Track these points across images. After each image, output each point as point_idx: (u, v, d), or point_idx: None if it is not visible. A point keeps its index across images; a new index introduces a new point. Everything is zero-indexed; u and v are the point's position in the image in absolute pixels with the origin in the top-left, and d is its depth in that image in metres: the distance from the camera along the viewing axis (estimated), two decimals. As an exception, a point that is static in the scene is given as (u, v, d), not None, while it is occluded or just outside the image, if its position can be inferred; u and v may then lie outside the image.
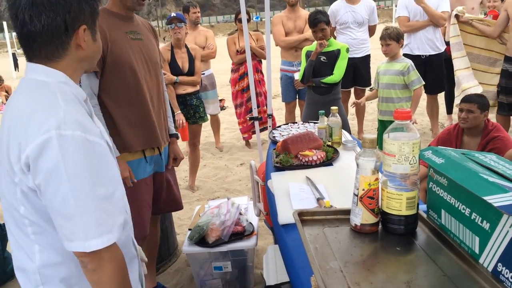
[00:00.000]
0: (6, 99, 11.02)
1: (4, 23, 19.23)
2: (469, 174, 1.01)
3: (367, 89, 5.41)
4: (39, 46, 1.09)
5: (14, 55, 20.52)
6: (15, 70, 20.20)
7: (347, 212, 1.22)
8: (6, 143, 1.06)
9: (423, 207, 1.27)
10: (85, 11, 1.12)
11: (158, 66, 2.33)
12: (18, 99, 1.10)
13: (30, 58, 1.12)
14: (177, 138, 2.62)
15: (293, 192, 1.81)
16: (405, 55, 4.57)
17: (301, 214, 1.25)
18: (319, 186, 1.82)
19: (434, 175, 1.17)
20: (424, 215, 1.23)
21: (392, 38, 3.65)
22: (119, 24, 2.14)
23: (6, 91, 11.21)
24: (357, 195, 1.16)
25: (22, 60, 30.12)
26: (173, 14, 4.03)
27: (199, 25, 5.34)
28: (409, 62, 3.72)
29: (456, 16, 4.60)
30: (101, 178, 1.05)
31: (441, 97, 5.50)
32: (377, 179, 1.15)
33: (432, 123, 5.43)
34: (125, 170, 2.13)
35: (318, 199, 1.69)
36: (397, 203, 1.13)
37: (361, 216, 1.16)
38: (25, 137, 1.01)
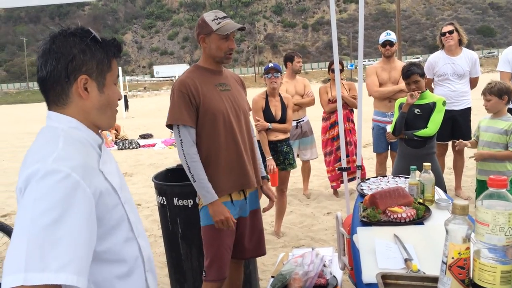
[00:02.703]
0: (116, 137, 12.18)
1: (120, 68, 21.53)
2: None
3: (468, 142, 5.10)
4: (47, 91, 1.20)
5: (125, 96, 22.74)
6: (125, 110, 22.34)
7: (435, 280, 1.18)
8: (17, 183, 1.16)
9: (522, 282, 1.18)
10: (88, 63, 1.19)
11: (247, 113, 2.52)
12: (32, 143, 1.21)
13: (47, 104, 1.25)
14: (268, 180, 2.72)
15: (379, 250, 1.77)
16: (512, 110, 4.27)
17: (384, 277, 1.22)
18: (407, 246, 1.76)
19: (535, 249, 1.09)
20: (523, 292, 1.13)
21: (493, 93, 3.45)
22: (210, 77, 2.38)
23: (116, 130, 12.39)
24: (446, 263, 1.11)
25: (132, 101, 33.24)
26: (270, 65, 4.24)
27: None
28: None
29: None
30: (67, 219, 1.02)
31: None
32: (468, 248, 1.10)
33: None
34: (224, 212, 2.29)
35: (406, 260, 1.64)
36: (491, 276, 1.06)
37: (450, 286, 1.11)
38: (21, 173, 1.11)
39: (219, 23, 2.29)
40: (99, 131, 1.32)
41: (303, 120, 5.26)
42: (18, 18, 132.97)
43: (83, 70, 1.19)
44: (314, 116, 12.35)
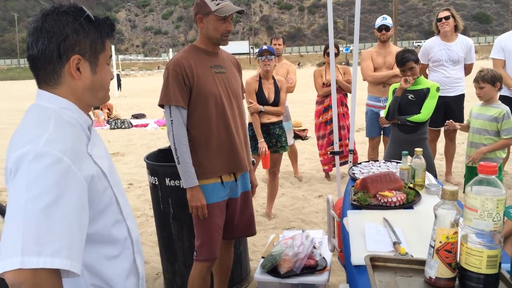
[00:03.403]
0: (108, 116, 12.09)
1: (113, 47, 21.28)
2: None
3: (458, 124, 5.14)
4: (37, 70, 1.18)
5: (118, 76, 22.52)
6: (118, 89, 22.14)
7: (422, 262, 1.19)
8: (6, 162, 1.14)
9: (506, 266, 1.20)
10: (81, 43, 1.17)
11: (240, 97, 2.51)
12: (21, 121, 1.19)
13: (37, 83, 1.22)
14: (253, 164, 2.73)
15: (369, 233, 1.79)
16: (504, 97, 4.29)
17: (373, 259, 1.24)
18: (396, 229, 1.78)
19: (521, 235, 1.11)
20: (508, 276, 1.16)
21: (486, 81, 3.45)
22: (205, 59, 2.35)
23: (108, 109, 12.30)
24: (433, 247, 1.13)
25: (124, 80, 32.94)
26: (264, 47, 4.21)
27: (282, 57, 5.49)
28: (506, 108, 3.47)
29: None
30: (60, 202, 1.02)
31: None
32: (456, 232, 1.11)
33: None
34: (200, 199, 2.30)
35: (394, 243, 1.65)
36: (477, 260, 1.08)
37: (437, 269, 1.12)
38: (10, 153, 1.10)
39: (218, 4, 2.26)
40: (92, 109, 1.30)
41: None
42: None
43: (76, 50, 1.16)
44: (308, 99, 12.41)
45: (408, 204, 2.08)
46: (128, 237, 1.30)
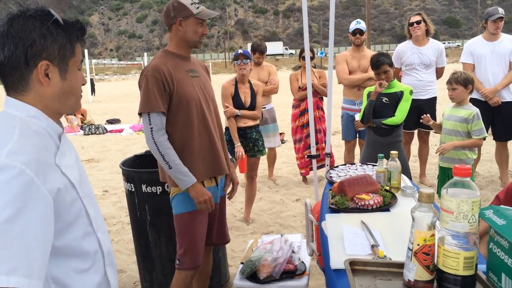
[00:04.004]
0: (82, 122, 11.86)
1: (86, 51, 20.91)
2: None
3: (432, 131, 5.25)
4: (5, 76, 1.14)
5: (92, 80, 22.12)
6: (92, 94, 21.76)
7: (401, 265, 1.20)
8: None
9: (482, 267, 1.22)
10: (49, 48, 1.13)
11: (215, 101, 2.51)
12: None
13: (5, 89, 1.18)
14: (232, 162, 2.73)
15: (347, 236, 1.80)
16: (473, 100, 4.41)
17: (352, 263, 1.24)
18: (374, 232, 1.80)
19: (495, 236, 1.13)
20: (484, 277, 1.18)
21: (459, 83, 3.55)
22: (180, 63, 2.33)
23: (82, 114, 12.06)
24: (411, 250, 1.14)
25: (98, 85, 32.39)
26: (240, 51, 4.20)
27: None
28: (476, 110, 3.57)
29: None
30: (23, 218, 0.97)
31: (511, 144, 5.21)
32: (433, 235, 1.13)
33: (501, 171, 5.13)
34: (205, 192, 2.30)
35: (372, 246, 1.67)
36: (454, 262, 1.10)
37: (415, 272, 1.14)
38: None
39: (197, 7, 2.26)
40: (64, 115, 1.26)
41: (264, 107, 5.21)
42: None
43: (44, 55, 1.12)
44: (284, 103, 12.47)
45: (385, 207, 2.10)
46: (98, 249, 1.26)
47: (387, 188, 2.36)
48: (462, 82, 3.54)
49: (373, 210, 2.07)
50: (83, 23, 1.23)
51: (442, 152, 3.60)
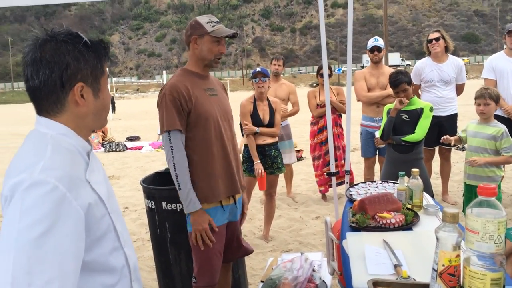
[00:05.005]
0: (103, 139, 12.06)
1: (106, 70, 21.37)
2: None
3: (454, 148, 5.18)
4: (39, 100, 1.16)
5: (112, 98, 22.55)
6: (112, 112, 22.16)
7: (426, 286, 1.19)
8: (2, 189, 1.11)
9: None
10: (83, 70, 1.16)
11: (232, 119, 2.54)
12: (20, 147, 1.18)
13: (37, 111, 1.21)
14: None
15: (369, 256, 1.78)
16: (496, 116, 4.34)
17: (376, 283, 1.23)
18: (396, 252, 1.78)
19: (523, 257, 1.11)
20: (512, 298, 1.16)
21: (492, 98, 3.48)
22: (198, 82, 2.37)
23: (103, 132, 12.27)
24: (436, 271, 1.13)
25: (119, 103, 32.94)
26: (258, 69, 4.25)
27: (281, 77, 5.57)
28: (503, 127, 3.50)
29: None
30: (52, 232, 1.00)
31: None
32: (458, 255, 1.11)
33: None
34: (204, 221, 2.28)
35: (395, 266, 1.65)
36: (481, 283, 1.08)
37: (441, 293, 1.12)
38: (6, 180, 1.08)
39: (213, 25, 2.30)
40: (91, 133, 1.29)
41: (280, 124, 5.25)
42: (3, 17, 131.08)
43: (78, 77, 1.16)
44: (302, 120, 12.48)
45: (407, 226, 2.08)
46: (125, 265, 1.28)
47: (409, 206, 2.33)
48: (495, 98, 3.49)
49: (395, 229, 2.05)
50: (106, 42, 1.27)
51: (473, 164, 3.53)
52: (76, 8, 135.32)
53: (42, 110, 1.18)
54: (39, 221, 0.98)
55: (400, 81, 3.61)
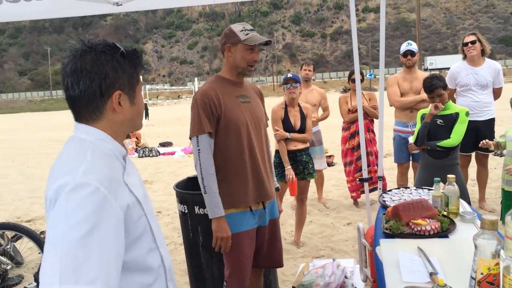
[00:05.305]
0: (136, 145, 12.34)
1: (140, 78, 21.92)
2: None
3: (491, 154, 5.02)
4: (79, 108, 1.22)
5: (146, 105, 23.09)
6: (146, 118, 22.66)
7: (463, 294, 1.16)
8: (46, 192, 1.18)
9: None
10: (120, 79, 1.22)
11: (265, 126, 2.55)
12: (61, 153, 1.23)
13: (75, 118, 1.26)
14: (278, 190, 2.73)
15: (404, 263, 1.75)
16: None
17: (411, 290, 1.21)
18: (432, 259, 1.74)
19: None
20: (555, 309, 1.11)
21: None
22: (231, 89, 2.40)
23: (137, 138, 12.57)
24: (475, 279, 1.10)
25: (152, 109, 33.63)
26: (289, 75, 4.26)
27: (311, 82, 5.56)
28: None
29: None
30: (97, 232, 1.04)
31: None
32: (497, 263, 1.08)
33: None
34: (226, 230, 2.30)
35: (431, 274, 1.61)
36: (522, 292, 1.04)
37: (479, 302, 1.09)
38: (50, 184, 1.13)
39: (247, 34, 2.33)
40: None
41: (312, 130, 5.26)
42: (43, 28, 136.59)
43: (116, 86, 1.22)
44: (333, 125, 12.38)
45: (443, 233, 2.03)
46: (161, 265, 1.32)
47: (445, 213, 2.27)
48: None
49: (430, 236, 2.01)
50: (140, 51, 1.33)
51: (511, 171, 3.43)
52: (111, 18, 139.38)
53: (81, 117, 1.24)
54: (83, 221, 1.02)
55: (435, 86, 3.53)
